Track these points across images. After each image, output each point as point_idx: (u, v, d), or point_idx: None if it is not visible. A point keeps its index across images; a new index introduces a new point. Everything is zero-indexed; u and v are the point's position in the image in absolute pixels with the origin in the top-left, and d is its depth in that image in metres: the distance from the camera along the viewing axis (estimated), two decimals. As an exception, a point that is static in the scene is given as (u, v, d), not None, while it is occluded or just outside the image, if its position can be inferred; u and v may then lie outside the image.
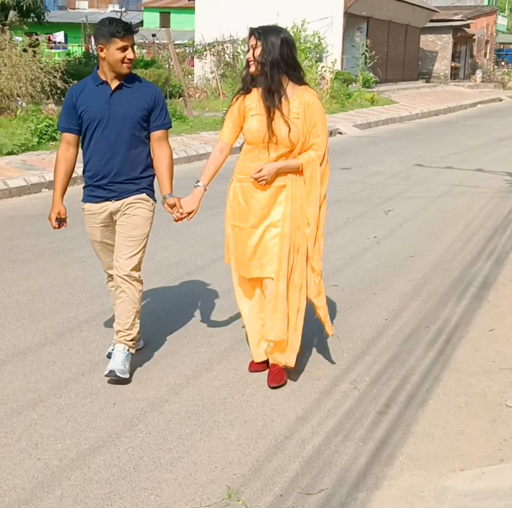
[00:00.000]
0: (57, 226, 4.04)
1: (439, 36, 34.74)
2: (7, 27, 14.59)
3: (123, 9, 37.59)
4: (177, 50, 20.42)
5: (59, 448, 3.26)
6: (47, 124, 11.50)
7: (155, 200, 4.04)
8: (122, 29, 3.71)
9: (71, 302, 5.14)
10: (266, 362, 3.99)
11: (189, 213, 3.85)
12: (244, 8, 24.01)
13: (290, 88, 3.68)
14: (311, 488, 2.99)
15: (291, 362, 3.83)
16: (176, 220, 3.91)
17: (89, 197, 3.99)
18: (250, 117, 3.72)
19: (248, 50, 3.71)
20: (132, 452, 3.25)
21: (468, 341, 4.58)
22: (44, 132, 11.44)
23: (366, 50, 25.11)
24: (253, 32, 3.69)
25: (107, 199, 3.93)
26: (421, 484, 3.01)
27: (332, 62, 23.49)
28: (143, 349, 4.34)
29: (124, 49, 3.74)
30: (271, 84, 3.62)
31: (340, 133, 16.57)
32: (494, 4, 43.92)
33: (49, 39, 27.68)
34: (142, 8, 46.71)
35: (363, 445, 3.33)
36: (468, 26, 35.64)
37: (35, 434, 3.38)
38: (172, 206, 3.86)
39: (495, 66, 42.06)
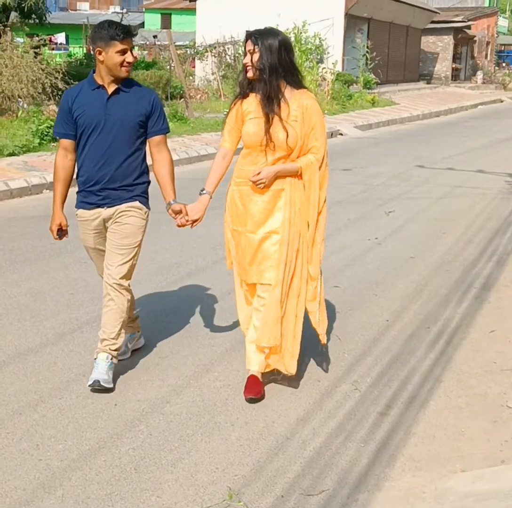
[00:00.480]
0: (59, 237, 4.00)
1: (440, 38, 34.75)
2: (9, 28, 14.62)
3: (124, 10, 37.56)
4: (178, 52, 20.42)
5: (60, 449, 3.27)
6: (48, 125, 11.50)
7: (148, 208, 3.96)
8: (122, 32, 3.65)
9: (72, 303, 5.14)
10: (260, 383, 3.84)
11: (195, 221, 3.80)
12: (245, 10, 24.03)
13: (288, 92, 3.64)
14: (312, 489, 2.99)
15: (292, 369, 3.78)
16: (179, 226, 3.85)
17: (81, 204, 3.92)
18: (248, 120, 3.67)
19: (245, 55, 3.66)
20: (133, 453, 3.25)
21: (469, 342, 4.58)
22: (45, 133, 11.44)
23: (367, 52, 25.11)
24: (250, 36, 3.62)
25: (99, 205, 3.86)
26: (422, 485, 3.02)
27: (333, 63, 23.49)
28: (144, 350, 4.35)
29: (123, 52, 3.67)
30: (270, 91, 3.58)
31: (341, 134, 16.57)
32: (495, 5, 43.92)
33: (50, 40, 27.68)
34: (143, 10, 46.77)
35: (364, 446, 3.33)
36: (469, 27, 35.66)
37: (36, 435, 3.38)
38: (178, 212, 3.80)
39: (496, 68, 42.08)
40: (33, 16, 18.55)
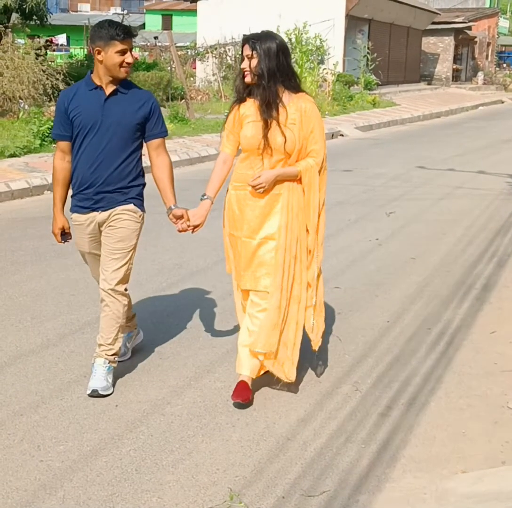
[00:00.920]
0: (62, 241, 3.95)
1: (440, 39, 34.76)
2: (10, 29, 14.64)
3: (125, 11, 37.59)
4: (179, 53, 20.45)
5: (61, 450, 3.27)
6: (49, 127, 11.49)
7: (143, 210, 3.90)
8: (122, 32, 3.57)
9: (73, 304, 5.14)
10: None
11: (196, 226, 3.77)
12: (246, 11, 24.06)
13: (286, 96, 3.60)
14: (313, 490, 2.99)
15: (292, 376, 3.75)
16: (180, 231, 3.81)
17: (76, 208, 3.84)
18: (246, 124, 3.63)
19: (242, 59, 3.60)
20: (134, 454, 3.25)
21: (469, 343, 4.58)
22: (46, 134, 11.45)
23: (368, 52, 25.12)
24: (247, 40, 3.56)
25: (94, 209, 3.79)
26: (422, 486, 3.02)
27: (334, 64, 23.52)
28: (145, 351, 4.35)
29: (123, 52, 3.60)
30: (269, 97, 3.54)
31: (342, 135, 16.58)
32: (495, 6, 43.93)
33: (51, 42, 27.69)
34: (144, 11, 46.85)
35: (365, 447, 3.33)
36: (469, 28, 35.67)
37: (37, 436, 3.39)
38: (179, 217, 3.75)
39: (497, 68, 42.11)
40: (34, 17, 18.60)
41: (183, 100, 16.66)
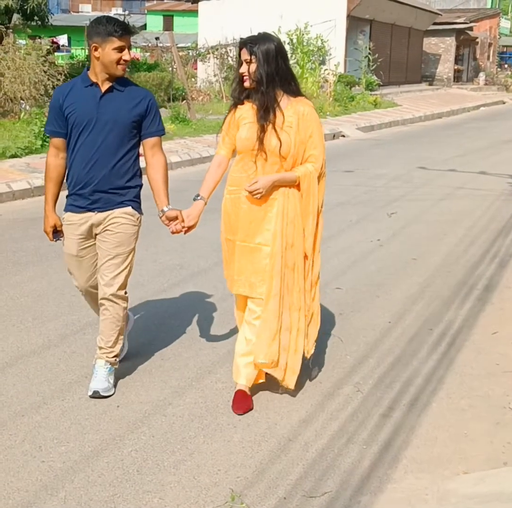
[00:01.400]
0: (55, 239, 3.88)
1: (442, 39, 34.77)
2: (11, 30, 14.65)
3: (126, 12, 37.66)
4: (180, 53, 20.44)
5: (63, 451, 3.27)
6: (50, 127, 11.51)
7: (141, 213, 3.85)
8: (120, 28, 3.48)
9: (75, 305, 5.14)
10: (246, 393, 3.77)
11: (190, 228, 3.71)
12: (247, 11, 24.09)
13: (285, 100, 3.55)
14: (314, 491, 2.99)
15: (291, 385, 3.74)
16: (173, 233, 3.73)
17: (71, 206, 3.75)
18: (243, 125, 3.59)
19: (240, 63, 3.53)
20: (136, 455, 3.25)
21: (471, 344, 4.57)
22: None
23: (369, 53, 25.14)
24: (245, 44, 3.48)
25: (90, 209, 3.70)
26: (424, 487, 3.01)
27: (335, 65, 23.54)
28: (146, 352, 4.35)
29: (121, 49, 3.51)
30: (267, 102, 3.49)
31: (343, 136, 16.57)
32: (497, 7, 43.94)
33: (52, 42, 27.72)
34: (146, 11, 46.85)
35: (367, 448, 3.33)
36: (471, 29, 35.68)
37: (38, 436, 3.39)
38: (173, 219, 3.67)
39: (498, 69, 42.11)
40: (35, 18, 18.59)
41: (184, 101, 16.67)
